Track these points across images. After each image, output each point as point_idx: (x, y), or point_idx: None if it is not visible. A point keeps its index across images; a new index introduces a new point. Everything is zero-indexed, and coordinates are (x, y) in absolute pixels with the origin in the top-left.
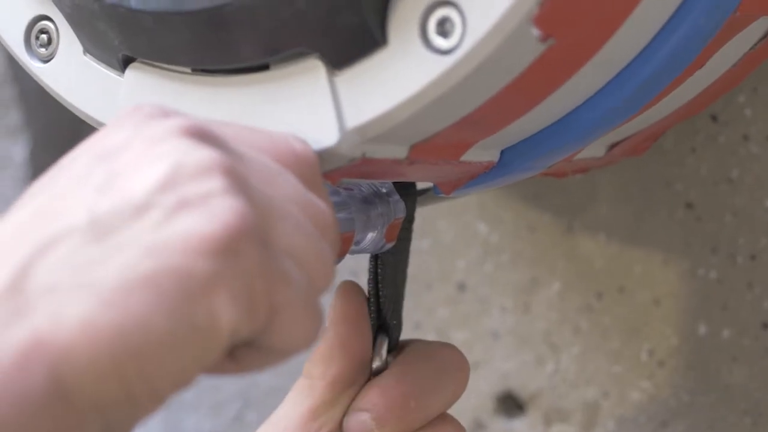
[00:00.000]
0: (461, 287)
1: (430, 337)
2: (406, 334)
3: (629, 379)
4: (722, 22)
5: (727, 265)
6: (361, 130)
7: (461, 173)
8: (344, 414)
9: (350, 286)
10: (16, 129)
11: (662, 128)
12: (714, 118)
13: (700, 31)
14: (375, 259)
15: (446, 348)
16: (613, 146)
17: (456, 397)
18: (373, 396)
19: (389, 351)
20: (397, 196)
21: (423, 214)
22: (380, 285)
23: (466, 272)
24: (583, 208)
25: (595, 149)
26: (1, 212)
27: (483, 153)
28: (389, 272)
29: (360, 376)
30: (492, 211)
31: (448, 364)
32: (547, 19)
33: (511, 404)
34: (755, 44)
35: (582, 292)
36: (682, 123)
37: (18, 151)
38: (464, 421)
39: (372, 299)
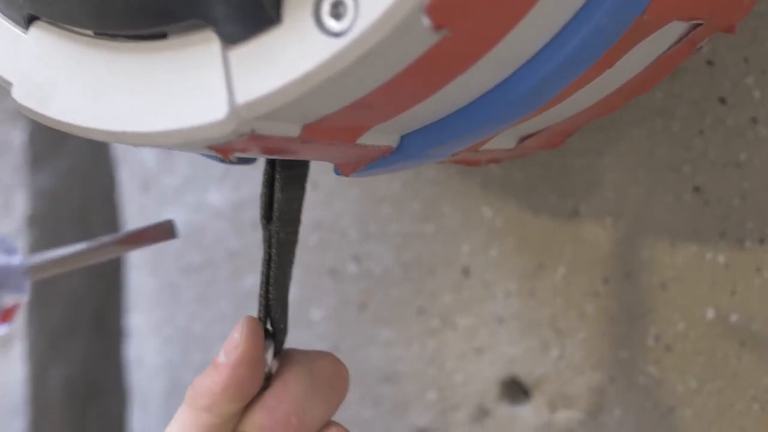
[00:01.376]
0: (466, 272)
1: (435, 323)
2: (409, 320)
3: (636, 364)
4: (628, 24)
5: (735, 249)
6: (251, 106)
7: (359, 156)
8: None
9: (255, 326)
10: (15, 113)
11: (576, 124)
12: (722, 100)
13: (604, 31)
14: (268, 262)
15: (324, 357)
16: (523, 139)
17: (337, 404)
18: (257, 417)
19: (274, 355)
20: (19, 274)
21: (427, 198)
22: (271, 288)
23: (470, 257)
24: (589, 192)
25: (504, 140)
26: (1, 198)
27: (381, 137)
28: (280, 275)
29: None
30: (497, 195)
31: (326, 374)
32: (439, 9)
33: (516, 390)
34: (669, 47)
35: (588, 277)
36: (690, 105)
37: (17, 135)
38: (468, 407)
39: (261, 302)
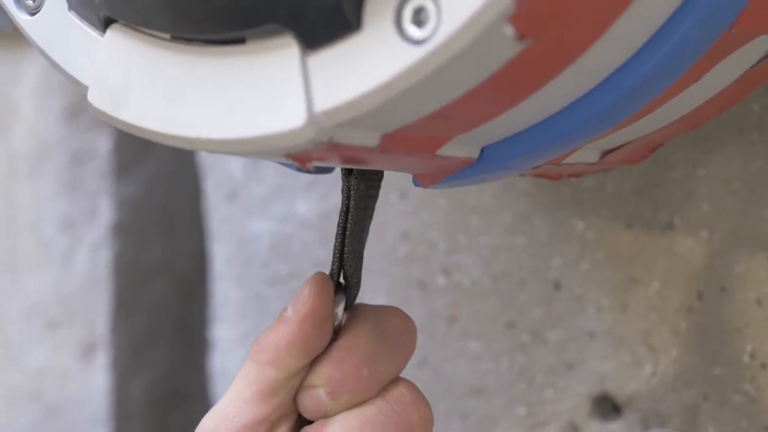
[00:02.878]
0: (556, 285)
1: (525, 338)
2: (498, 334)
3: (730, 381)
4: (715, 37)
5: None
6: (329, 114)
7: (439, 167)
8: (295, 393)
9: (325, 282)
10: (101, 121)
11: (661, 138)
12: None
13: (691, 44)
14: (345, 213)
15: (392, 311)
16: (606, 153)
17: (406, 359)
18: (325, 370)
19: (345, 309)
20: None
21: (517, 210)
22: (347, 240)
23: (561, 270)
24: (684, 205)
25: (586, 154)
26: (86, 204)
27: (461, 148)
28: (357, 229)
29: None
30: (589, 208)
31: (395, 327)
32: (523, 18)
33: (607, 406)
34: (758, 61)
35: (682, 292)
36: None
37: (103, 142)
38: (559, 423)
39: (336, 254)
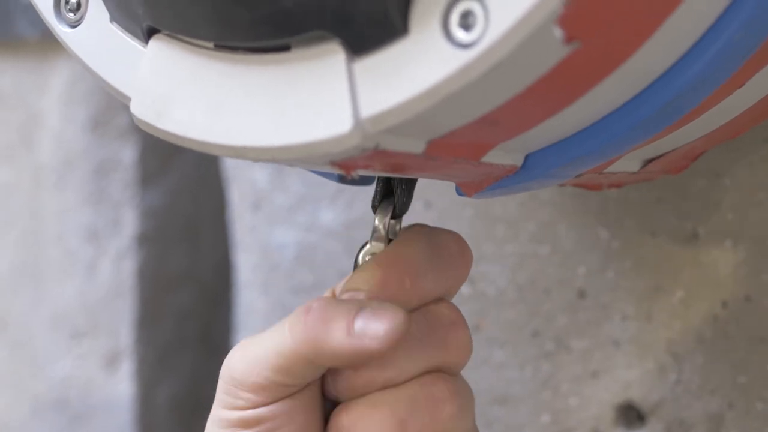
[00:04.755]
0: (581, 294)
1: (550, 346)
2: (523, 342)
3: (755, 389)
4: (762, 40)
5: None
6: (375, 120)
7: (483, 175)
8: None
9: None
10: (126, 131)
11: (703, 147)
12: None
13: (737, 48)
14: None
15: (449, 234)
16: (648, 162)
17: (456, 283)
18: (368, 274)
19: (393, 218)
20: None
21: (542, 219)
22: None
23: (586, 279)
24: (709, 214)
25: (628, 163)
26: (111, 215)
27: (506, 156)
28: None
29: None
30: (614, 217)
31: (448, 249)
32: (572, 20)
33: (631, 415)
34: None
35: (706, 301)
36: None
37: (127, 153)
38: (583, 431)
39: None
